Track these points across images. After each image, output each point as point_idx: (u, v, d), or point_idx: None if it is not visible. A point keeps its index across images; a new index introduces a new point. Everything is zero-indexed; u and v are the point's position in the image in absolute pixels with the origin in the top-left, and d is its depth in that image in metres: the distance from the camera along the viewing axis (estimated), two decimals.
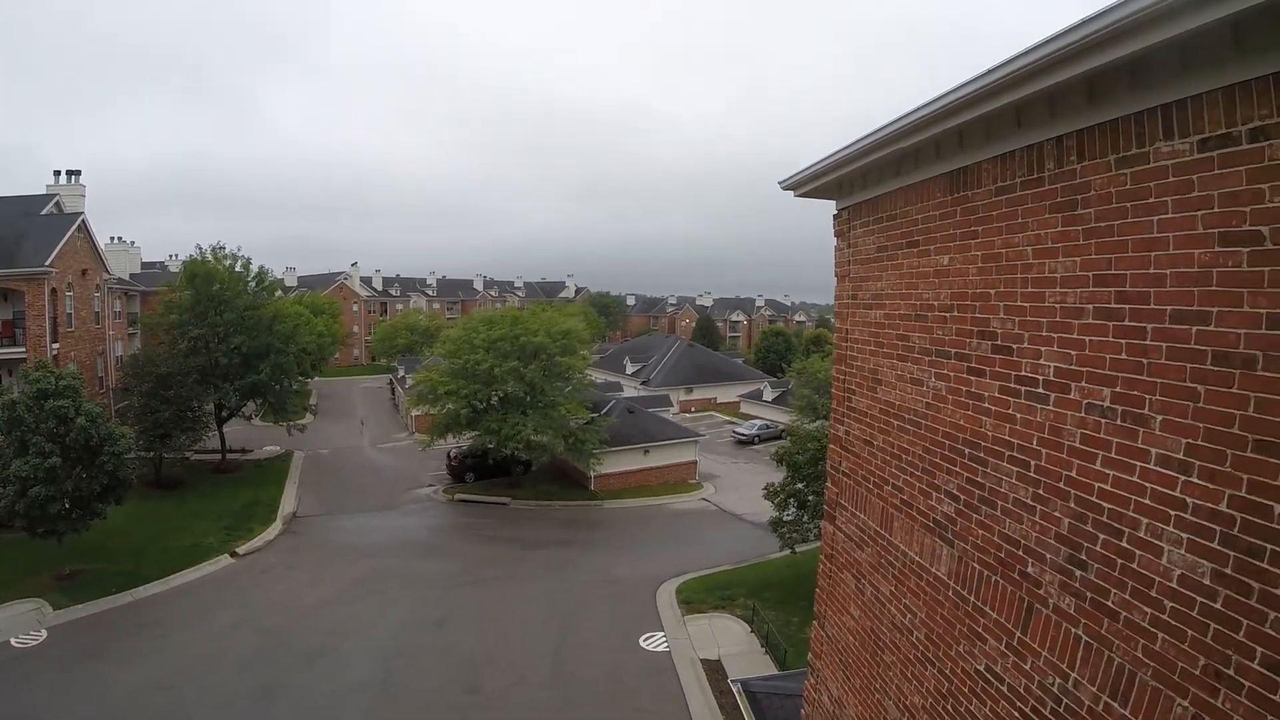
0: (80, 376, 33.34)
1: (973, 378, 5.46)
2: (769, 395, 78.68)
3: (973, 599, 5.46)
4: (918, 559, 6.35)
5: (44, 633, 27.35)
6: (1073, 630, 4.35)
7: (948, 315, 5.82)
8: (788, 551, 31.87)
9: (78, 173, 49.46)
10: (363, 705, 23.38)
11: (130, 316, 62.32)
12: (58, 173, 49.19)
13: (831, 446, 8.55)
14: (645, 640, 27.66)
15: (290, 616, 29.73)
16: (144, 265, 79.75)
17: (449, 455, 52.35)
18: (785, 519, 31.53)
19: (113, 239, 67.42)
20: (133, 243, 75.37)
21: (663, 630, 28.42)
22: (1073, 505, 4.36)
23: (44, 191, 48.35)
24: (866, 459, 7.50)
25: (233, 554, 36.47)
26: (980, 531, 5.36)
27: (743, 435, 68.00)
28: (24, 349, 39.22)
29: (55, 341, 41.15)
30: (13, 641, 26.52)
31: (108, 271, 51.95)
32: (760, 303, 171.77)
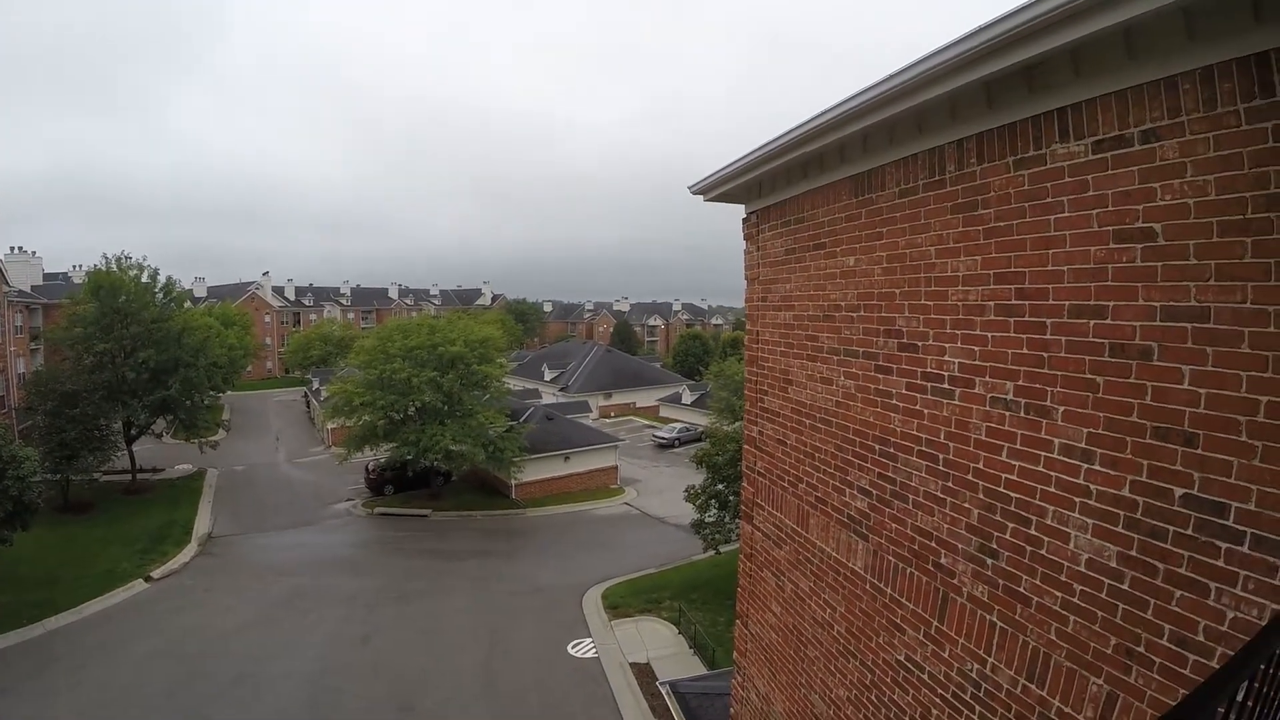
0: None
1: (880, 375, 5.57)
2: (688, 398, 78.94)
3: (889, 591, 5.57)
4: (834, 554, 6.44)
5: None
6: (987, 617, 4.46)
7: (855, 315, 5.93)
8: (712, 552, 32.12)
9: None
10: None
11: (32, 331, 58.87)
12: None
13: (746, 447, 8.63)
14: (574, 647, 27.49)
15: (211, 642, 28.40)
16: (46, 276, 75.05)
17: (367, 468, 50.82)
18: (707, 520, 31.74)
19: (13, 249, 64.06)
20: (34, 253, 71.56)
21: (591, 636, 28.31)
22: (981, 496, 4.48)
23: None
24: (780, 458, 7.59)
25: (147, 578, 34.68)
26: (893, 525, 5.47)
27: (663, 439, 68.15)
28: None
29: None
30: None
31: (7, 283, 49.23)
32: (678, 307, 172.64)
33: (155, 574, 35.36)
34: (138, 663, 26.52)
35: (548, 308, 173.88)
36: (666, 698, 17.59)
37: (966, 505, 4.63)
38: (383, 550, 40.45)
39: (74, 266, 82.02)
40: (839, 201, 6.14)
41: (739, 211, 8.45)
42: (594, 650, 27.28)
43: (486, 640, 28.30)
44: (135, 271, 49.26)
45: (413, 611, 31.30)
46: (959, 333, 4.64)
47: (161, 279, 51.16)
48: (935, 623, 5.01)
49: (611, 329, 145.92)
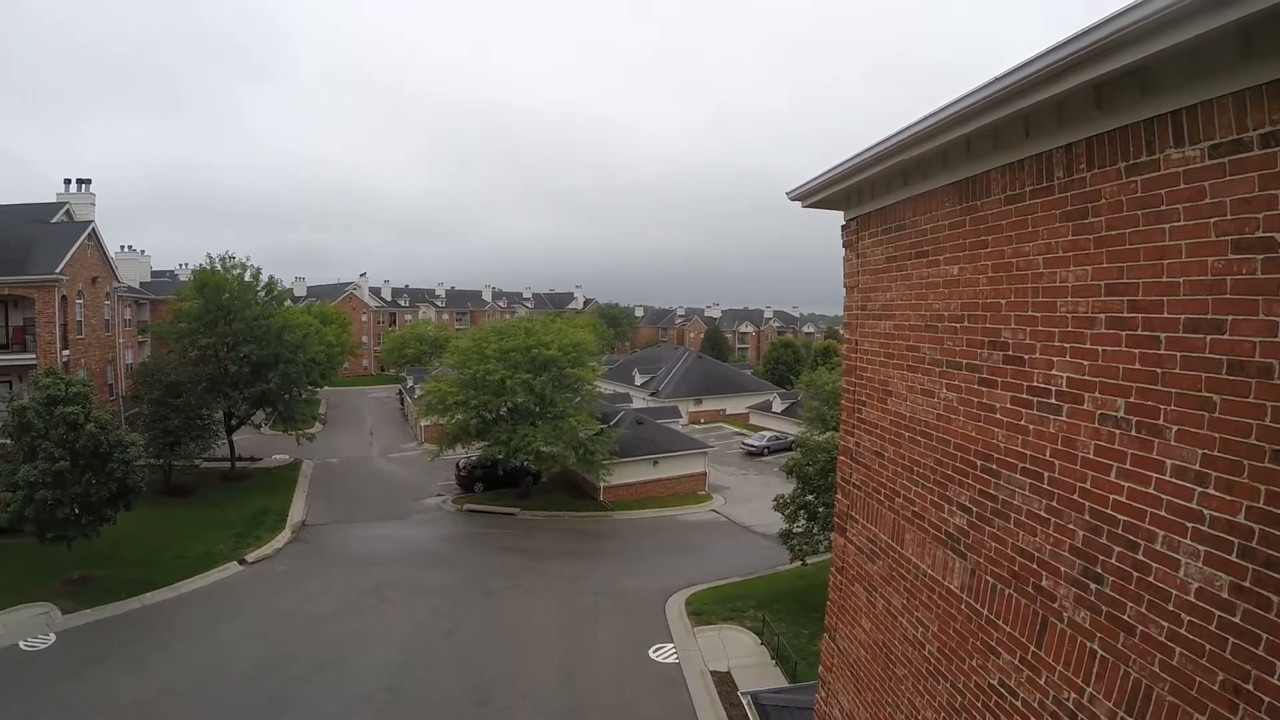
0: (90, 383, 33.33)
1: (984, 389, 5.40)
2: (778, 407, 78.32)
3: (986, 612, 5.40)
4: (930, 572, 6.28)
5: (52, 637, 27.40)
6: (1088, 644, 4.28)
7: (958, 325, 5.77)
8: (798, 564, 31.71)
9: (88, 181, 49.53)
10: (371, 717, 23.30)
11: (140, 324, 61.79)
12: (68, 181, 49.34)
13: (841, 458, 8.50)
14: (655, 651, 27.49)
15: (299, 626, 29.66)
16: (154, 274, 79.72)
17: (458, 465, 52.26)
18: (795, 531, 31.34)
19: (123, 247, 66.68)
20: (143, 251, 75.07)
21: (672, 642, 28.27)
22: (1087, 518, 4.31)
23: (54, 200, 48.44)
24: (877, 471, 7.44)
25: (242, 561, 36.52)
26: (993, 544, 5.29)
27: (752, 447, 67.63)
28: (34, 355, 38.98)
29: (65, 348, 41.10)
30: (21, 645, 26.70)
31: (118, 279, 51.62)
32: (769, 314, 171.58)
33: (249, 558, 37.16)
34: (227, 642, 27.83)
35: (639, 312, 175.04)
36: (747, 708, 17.37)
37: (1071, 526, 4.45)
38: (470, 546, 41.46)
39: (180, 265, 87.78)
40: (942, 208, 6.00)
41: (837, 218, 8.34)
42: (675, 656, 27.24)
43: (568, 640, 28.59)
44: (238, 270, 51.81)
45: (497, 608, 31.88)
46: (1067, 346, 4.47)
47: (263, 278, 53.63)
48: (1032, 647, 4.84)
49: (702, 335, 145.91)
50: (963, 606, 5.73)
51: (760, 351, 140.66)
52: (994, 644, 5.28)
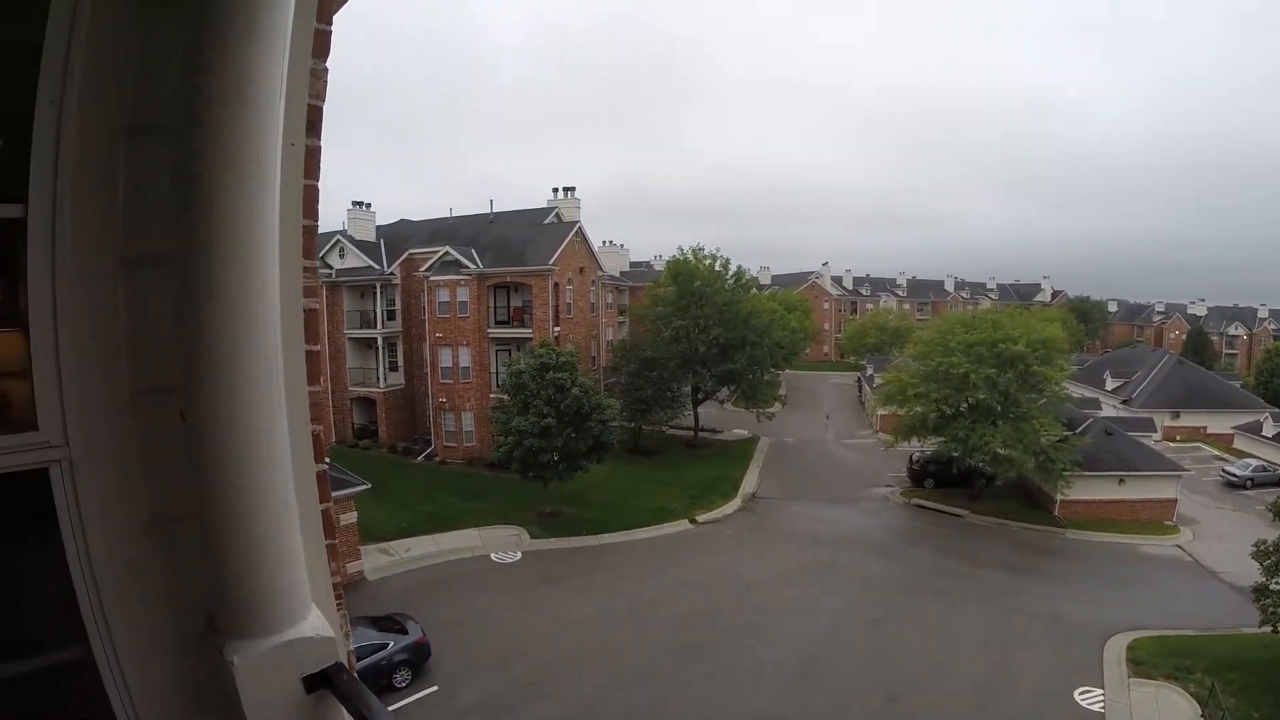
0: (576, 355, 41.76)
1: None
2: (1269, 430, 64.85)
3: None
4: None
5: (519, 554, 35.18)
6: None
7: None
8: (1268, 628, 27.69)
9: (572, 189, 58.95)
10: (780, 684, 24.67)
11: (620, 307, 70.65)
12: (555, 189, 59.57)
13: None
14: (1080, 694, 25.72)
15: (733, 586, 32.47)
16: (632, 264, 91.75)
17: (910, 458, 51.56)
18: (1273, 588, 27.04)
19: (605, 242, 75.61)
20: (621, 245, 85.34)
21: (1102, 688, 26.17)
22: None
23: (545, 205, 60.18)
24: None
25: (692, 521, 41.28)
26: None
27: (1233, 476, 57.80)
28: (530, 330, 50.12)
29: (556, 325, 50.38)
30: (492, 556, 34.84)
31: (600, 269, 60.20)
32: (1263, 313, 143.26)
33: (700, 518, 42.39)
34: (663, 587, 32.50)
35: (1112, 307, 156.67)
36: None
37: None
38: (911, 541, 41.23)
39: (655, 256, 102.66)
40: None
41: None
42: (1102, 705, 25.28)
43: (990, 657, 27.84)
44: (709, 260, 58.11)
45: (926, 608, 31.57)
46: None
47: (732, 267, 59.40)
48: None
49: (1184, 336, 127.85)
50: None
51: (1251, 359, 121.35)
52: None
